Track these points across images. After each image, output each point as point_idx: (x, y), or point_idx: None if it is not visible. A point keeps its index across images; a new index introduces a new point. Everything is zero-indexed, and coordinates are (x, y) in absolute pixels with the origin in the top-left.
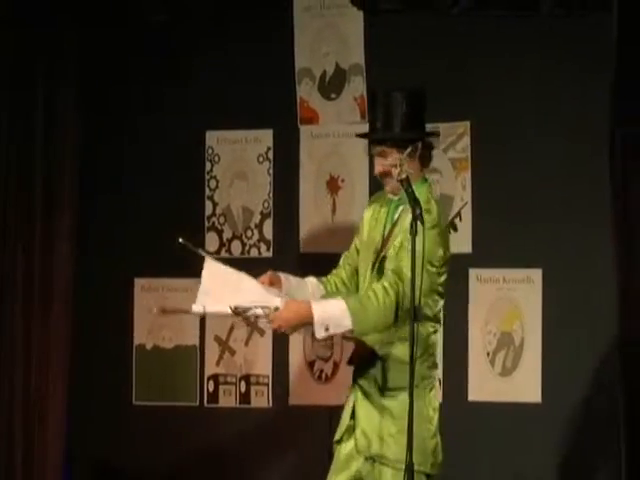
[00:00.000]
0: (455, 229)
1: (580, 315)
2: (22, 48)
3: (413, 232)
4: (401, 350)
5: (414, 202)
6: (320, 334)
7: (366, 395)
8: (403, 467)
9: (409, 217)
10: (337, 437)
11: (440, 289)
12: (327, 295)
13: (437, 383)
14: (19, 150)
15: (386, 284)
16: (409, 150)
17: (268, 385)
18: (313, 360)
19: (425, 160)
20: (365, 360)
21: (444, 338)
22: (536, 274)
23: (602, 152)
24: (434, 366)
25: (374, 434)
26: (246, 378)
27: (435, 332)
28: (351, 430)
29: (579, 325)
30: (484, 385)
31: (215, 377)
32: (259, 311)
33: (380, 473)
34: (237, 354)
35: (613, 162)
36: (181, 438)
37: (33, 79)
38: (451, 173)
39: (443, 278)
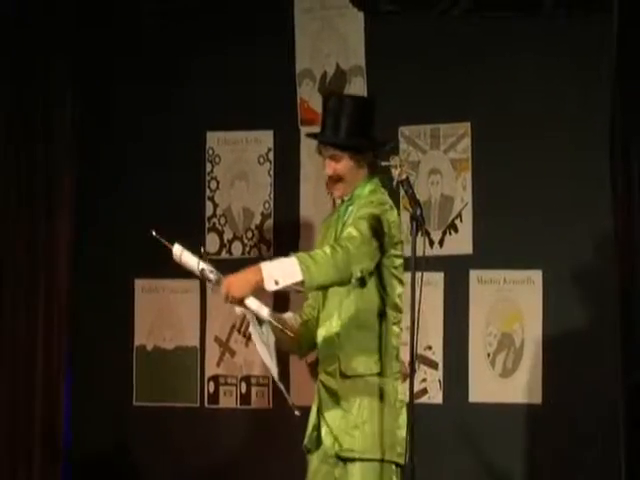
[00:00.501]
0: (456, 230)
1: (580, 316)
2: (22, 48)
3: (414, 232)
4: (361, 336)
5: (415, 202)
6: (270, 287)
7: (330, 392)
8: (371, 457)
9: (356, 209)
10: (305, 443)
11: (396, 273)
12: (305, 323)
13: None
14: (18, 150)
15: (333, 243)
16: (358, 157)
17: (269, 386)
18: (313, 361)
19: (374, 167)
20: (326, 356)
21: (444, 339)
22: (536, 275)
23: (603, 153)
24: (397, 358)
25: (339, 430)
26: (247, 379)
27: (395, 323)
28: (318, 438)
29: (579, 326)
30: (485, 386)
31: (215, 378)
32: (212, 276)
33: (348, 469)
34: (237, 355)
35: (614, 163)
36: (182, 439)
37: (33, 79)
38: (452, 174)
39: (397, 262)
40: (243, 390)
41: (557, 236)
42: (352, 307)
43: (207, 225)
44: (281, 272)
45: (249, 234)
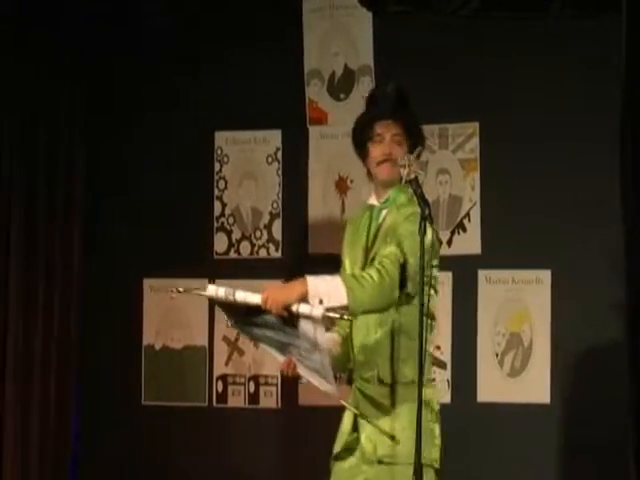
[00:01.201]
0: (464, 230)
1: (589, 316)
2: (26, 48)
3: (422, 232)
4: (400, 344)
5: (424, 203)
6: (314, 304)
7: (368, 398)
8: (410, 462)
9: (394, 218)
10: (336, 451)
11: (433, 283)
12: (343, 339)
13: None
14: (25, 151)
15: (378, 265)
16: (418, 149)
17: (277, 386)
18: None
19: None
20: (364, 363)
21: (453, 339)
22: (545, 275)
23: (612, 152)
24: (431, 364)
25: (379, 436)
26: (255, 379)
27: (432, 330)
28: (352, 446)
29: (588, 326)
30: (493, 386)
31: (224, 377)
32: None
33: (394, 474)
34: (246, 354)
35: (623, 162)
36: (190, 438)
37: (39, 78)
38: (460, 174)
39: (435, 272)
40: (251, 390)
41: (566, 236)
42: (393, 315)
43: (215, 225)
44: (326, 291)
45: (258, 234)
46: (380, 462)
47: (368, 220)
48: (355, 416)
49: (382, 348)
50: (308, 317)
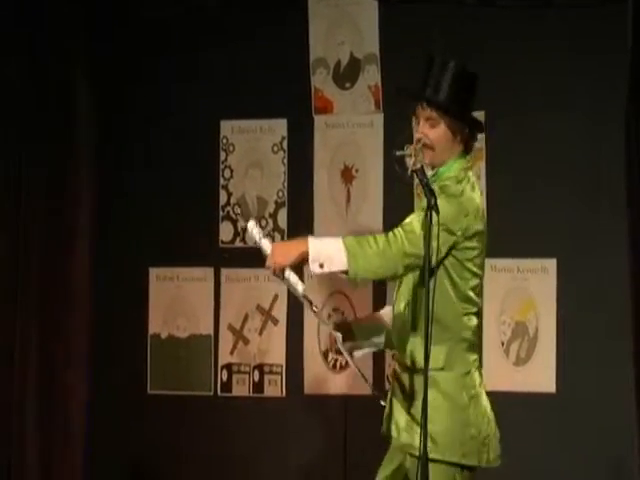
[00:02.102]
0: None
1: (594, 305)
2: (35, 35)
3: (428, 222)
4: (433, 331)
5: (429, 193)
6: (314, 268)
7: (398, 381)
8: (430, 457)
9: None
10: (383, 429)
11: (469, 266)
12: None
13: (478, 371)
14: (33, 142)
15: (390, 233)
16: (455, 128)
17: (282, 374)
18: (328, 349)
19: (468, 147)
20: (398, 345)
21: None
22: (551, 264)
23: (618, 141)
24: (471, 349)
25: (403, 425)
26: (260, 367)
27: (468, 314)
28: (388, 423)
29: (593, 315)
30: (498, 375)
31: (229, 366)
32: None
33: (412, 465)
34: (251, 343)
35: (629, 150)
36: (195, 427)
37: (47, 67)
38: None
39: (472, 254)
40: (256, 378)
41: (571, 225)
42: (421, 296)
43: (221, 213)
44: (327, 255)
45: (263, 223)
46: (404, 451)
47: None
48: (391, 400)
49: (410, 332)
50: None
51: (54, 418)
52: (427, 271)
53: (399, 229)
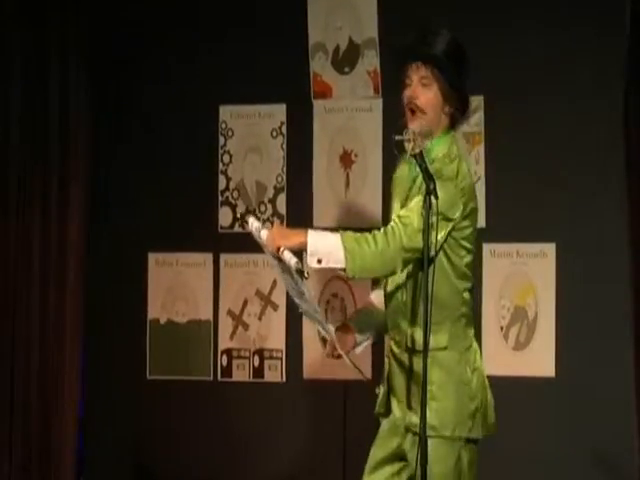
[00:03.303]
0: None
1: (594, 289)
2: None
3: (427, 207)
4: (432, 311)
5: (428, 177)
6: (312, 263)
7: (398, 361)
8: (437, 434)
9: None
10: (376, 409)
11: (464, 243)
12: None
13: (475, 343)
14: (33, 121)
15: (388, 228)
16: (447, 95)
17: (282, 359)
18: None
19: (455, 121)
20: (394, 325)
21: None
22: (550, 248)
23: (617, 125)
24: (469, 324)
25: (408, 404)
26: (259, 352)
27: (465, 290)
28: (387, 406)
29: (593, 299)
30: (498, 359)
31: (228, 351)
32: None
33: (417, 443)
34: (250, 328)
35: (628, 134)
36: (195, 412)
37: (46, 52)
38: (465, 148)
39: (468, 232)
40: (256, 363)
41: (570, 209)
42: (418, 278)
43: (220, 199)
44: (326, 251)
45: (262, 208)
46: (408, 430)
47: (408, 170)
48: (388, 378)
49: (408, 312)
50: (285, 263)
51: (46, 402)
52: (427, 260)
53: (397, 223)
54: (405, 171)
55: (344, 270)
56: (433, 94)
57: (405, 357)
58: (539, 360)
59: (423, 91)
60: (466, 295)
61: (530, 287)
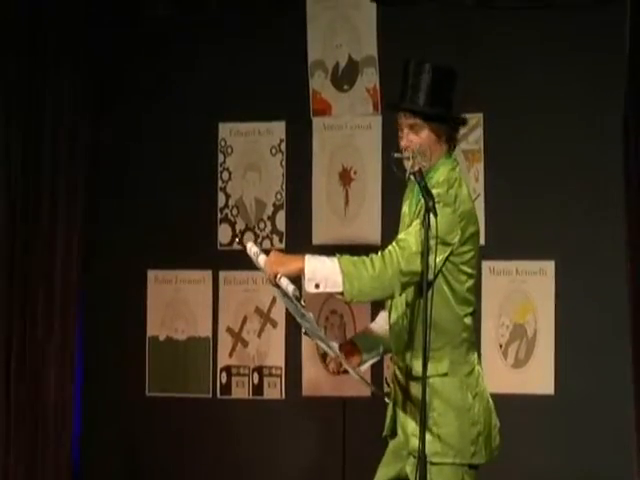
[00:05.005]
0: None
1: (593, 307)
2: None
3: (426, 224)
4: (432, 337)
5: (427, 195)
6: (309, 288)
7: (401, 387)
8: (439, 461)
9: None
10: (384, 432)
11: (465, 268)
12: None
13: (478, 367)
14: (27, 141)
15: (386, 252)
16: (439, 130)
17: (281, 377)
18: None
19: (452, 144)
20: (397, 351)
21: None
22: (549, 266)
23: (615, 144)
24: (471, 348)
25: (411, 430)
26: (259, 370)
27: (466, 315)
28: (394, 425)
29: (592, 317)
30: (497, 377)
31: (228, 369)
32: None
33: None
34: (250, 345)
35: (627, 153)
36: (194, 429)
37: (44, 69)
38: (464, 165)
39: (468, 256)
40: (255, 381)
41: (569, 227)
42: (418, 304)
43: (219, 216)
44: (323, 276)
45: (261, 225)
46: (410, 455)
47: (414, 192)
48: (394, 403)
49: (409, 339)
50: (283, 289)
51: (40, 418)
52: (426, 282)
53: (395, 246)
54: (411, 191)
55: (342, 294)
56: (426, 135)
57: (406, 382)
58: (538, 378)
59: (415, 137)
60: (467, 320)
61: (529, 305)
